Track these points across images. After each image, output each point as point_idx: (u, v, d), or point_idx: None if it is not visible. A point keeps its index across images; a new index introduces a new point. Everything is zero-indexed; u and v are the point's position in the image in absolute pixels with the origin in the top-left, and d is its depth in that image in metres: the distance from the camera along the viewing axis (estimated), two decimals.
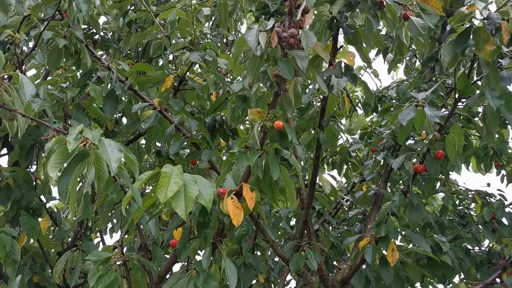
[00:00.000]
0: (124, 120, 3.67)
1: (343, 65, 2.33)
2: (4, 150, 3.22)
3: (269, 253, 3.70)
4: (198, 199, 1.78)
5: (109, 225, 4.60)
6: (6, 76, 1.89)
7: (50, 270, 2.98)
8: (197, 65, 3.75)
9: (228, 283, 1.75)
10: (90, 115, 2.74)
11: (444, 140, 2.48)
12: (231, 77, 4.17)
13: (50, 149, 1.44)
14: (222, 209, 1.84)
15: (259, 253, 3.56)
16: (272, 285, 3.88)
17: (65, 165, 1.42)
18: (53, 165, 1.39)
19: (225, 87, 3.31)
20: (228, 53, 4.03)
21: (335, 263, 3.64)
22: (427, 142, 2.51)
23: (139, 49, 3.95)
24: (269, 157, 1.86)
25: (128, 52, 3.88)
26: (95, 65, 2.78)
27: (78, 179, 1.49)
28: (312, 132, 2.51)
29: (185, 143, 2.79)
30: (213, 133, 3.06)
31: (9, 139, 2.95)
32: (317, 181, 2.78)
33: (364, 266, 2.72)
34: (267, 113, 1.91)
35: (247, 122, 3.70)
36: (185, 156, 2.97)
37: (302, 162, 3.45)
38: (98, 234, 3.95)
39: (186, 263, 3.64)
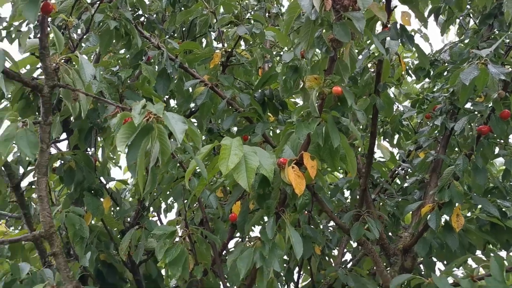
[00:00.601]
0: (172, 102, 3.72)
1: (398, 26, 2.23)
2: (64, 135, 3.35)
3: (321, 227, 3.68)
4: (259, 169, 1.77)
5: (163, 206, 4.73)
6: (64, 59, 1.94)
7: (115, 248, 3.10)
8: (243, 42, 3.73)
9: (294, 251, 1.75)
10: (143, 95, 2.77)
11: (510, 99, 2.35)
12: (278, 49, 4.12)
13: (116, 124, 1.46)
14: (283, 178, 1.83)
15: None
16: (327, 258, 3.87)
17: (132, 139, 1.45)
18: (120, 140, 1.41)
19: (273, 60, 3.27)
20: (272, 26, 3.97)
21: (390, 234, 3.58)
22: (491, 101, 2.38)
23: (183, 29, 3.96)
24: (329, 125, 1.82)
25: (173, 33, 3.90)
26: (145, 45, 2.80)
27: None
28: (368, 98, 2.44)
29: (238, 118, 2.79)
30: (262, 107, 3.04)
31: (68, 124, 3.05)
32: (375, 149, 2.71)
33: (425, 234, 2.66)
34: (324, 79, 1.86)
35: (295, 96, 3.66)
36: (237, 131, 2.97)
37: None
38: (155, 214, 4.06)
39: (240, 239, 3.70)
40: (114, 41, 2.70)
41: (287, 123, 1.97)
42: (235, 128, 3.44)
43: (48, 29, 1.80)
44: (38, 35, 1.70)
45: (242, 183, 1.72)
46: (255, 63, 3.17)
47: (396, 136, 4.29)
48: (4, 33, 3.39)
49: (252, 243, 1.90)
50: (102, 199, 3.08)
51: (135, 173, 1.43)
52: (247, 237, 2.63)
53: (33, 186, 3.00)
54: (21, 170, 2.91)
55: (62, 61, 1.79)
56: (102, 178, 3.31)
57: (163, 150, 1.57)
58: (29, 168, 2.96)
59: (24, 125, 1.60)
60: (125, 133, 1.42)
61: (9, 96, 2.76)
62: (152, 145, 1.53)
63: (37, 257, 3.05)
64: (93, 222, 3.21)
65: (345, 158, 1.93)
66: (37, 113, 2.88)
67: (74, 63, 1.87)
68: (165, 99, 3.46)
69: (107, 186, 3.34)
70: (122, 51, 3.27)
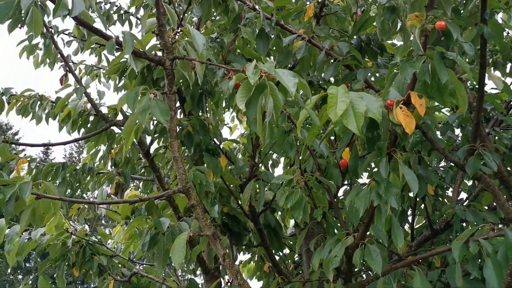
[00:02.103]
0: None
1: None
2: (177, 104, 3.66)
3: (431, 167, 3.63)
4: (367, 113, 1.84)
5: (270, 162, 4.97)
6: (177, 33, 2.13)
7: (235, 201, 3.39)
8: None
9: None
10: (245, 56, 2.93)
11: None
12: None
13: (232, 85, 1.62)
14: (392, 119, 1.88)
15: None
16: (440, 199, 3.82)
17: (249, 97, 1.60)
18: (240, 99, 1.57)
19: (367, 4, 3.21)
20: None
21: (509, 168, 3.42)
22: None
23: None
24: (435, 61, 1.82)
25: None
26: (241, 9, 2.93)
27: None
28: (474, 28, 2.33)
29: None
30: (360, 53, 3.03)
31: (181, 93, 3.33)
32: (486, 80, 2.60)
33: None
34: (426, 15, 1.84)
35: (393, 37, 3.56)
36: (340, 80, 3.02)
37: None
38: (263, 169, 4.31)
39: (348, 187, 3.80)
40: (213, 9, 2.86)
41: (391, 65, 1.99)
42: (331, 79, 3.47)
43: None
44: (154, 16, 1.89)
45: (351, 127, 1.81)
46: (348, 9, 3.15)
47: (509, 65, 4.00)
48: (115, 16, 3.74)
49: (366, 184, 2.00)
50: (219, 158, 3.36)
51: (256, 128, 1.59)
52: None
53: (160, 152, 3.36)
54: (148, 139, 3.28)
55: (177, 35, 1.98)
56: (215, 139, 3.59)
57: (276, 105, 1.71)
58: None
59: (155, 96, 1.83)
60: (243, 93, 1.58)
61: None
62: (266, 101, 1.67)
63: (171, 213, 3.45)
64: (214, 179, 3.52)
65: (455, 93, 1.92)
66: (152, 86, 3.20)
67: (185, 35, 2.05)
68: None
69: (221, 146, 3.63)
70: (218, 17, 3.44)
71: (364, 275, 3.03)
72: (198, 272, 5.38)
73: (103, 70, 4.12)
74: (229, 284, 2.98)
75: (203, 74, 2.93)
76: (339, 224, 2.32)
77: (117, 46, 3.68)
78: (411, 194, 3.08)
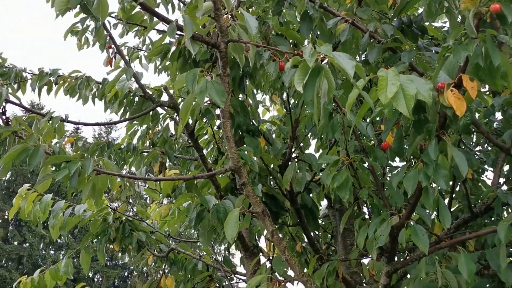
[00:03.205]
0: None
1: None
2: None
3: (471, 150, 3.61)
4: (417, 96, 1.87)
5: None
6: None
7: (273, 182, 3.47)
8: None
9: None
10: (288, 39, 2.96)
11: None
12: None
13: (290, 67, 1.67)
14: (443, 102, 1.90)
15: None
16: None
17: (306, 79, 1.65)
18: (297, 81, 1.63)
19: None
20: None
21: None
22: None
23: None
24: (488, 44, 1.83)
25: None
26: None
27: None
28: None
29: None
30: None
31: None
32: None
33: None
34: None
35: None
36: (383, 62, 3.03)
37: None
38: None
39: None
40: None
41: (442, 47, 2.00)
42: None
43: None
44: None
45: (402, 110, 1.84)
46: None
47: None
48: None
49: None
50: (258, 139, 3.43)
51: (313, 109, 1.65)
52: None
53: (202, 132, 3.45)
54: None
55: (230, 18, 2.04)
56: (253, 121, 3.67)
57: (330, 87, 1.76)
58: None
59: (211, 78, 1.90)
60: (300, 75, 1.64)
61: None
62: (321, 83, 1.72)
63: (210, 192, 3.56)
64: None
65: (506, 76, 1.93)
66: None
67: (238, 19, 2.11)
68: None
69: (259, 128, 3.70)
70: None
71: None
72: (231, 250, 5.53)
73: (144, 53, 4.22)
74: (269, 260, 3.07)
75: (243, 62, 3.00)
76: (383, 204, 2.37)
77: (159, 29, 3.76)
78: None
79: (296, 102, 3.47)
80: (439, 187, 1.96)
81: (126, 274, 29.42)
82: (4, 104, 2.25)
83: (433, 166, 1.92)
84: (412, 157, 2.73)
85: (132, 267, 28.61)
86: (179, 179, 2.79)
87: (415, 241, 1.96)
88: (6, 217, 27.43)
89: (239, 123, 3.33)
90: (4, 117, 2.20)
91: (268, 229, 2.11)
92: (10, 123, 2.22)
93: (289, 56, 1.87)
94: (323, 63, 1.77)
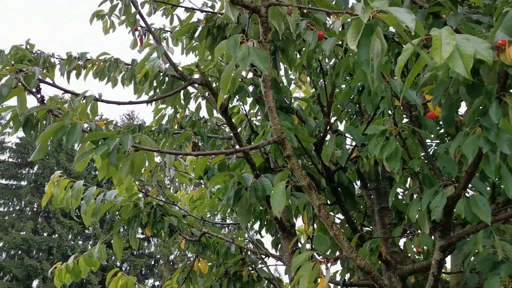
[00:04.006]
0: None
1: None
2: None
3: None
4: (475, 55, 1.73)
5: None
6: None
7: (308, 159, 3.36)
8: None
9: None
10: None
11: None
12: None
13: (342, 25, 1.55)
14: (504, 60, 1.76)
15: None
16: None
17: (359, 37, 1.54)
18: (350, 39, 1.51)
19: None
20: None
21: None
22: None
23: None
24: None
25: None
26: None
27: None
28: None
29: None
30: None
31: None
32: None
33: None
34: None
35: None
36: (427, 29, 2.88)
37: None
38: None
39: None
40: None
41: (500, 2, 1.85)
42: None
43: None
44: None
45: (459, 70, 1.71)
46: None
47: None
48: None
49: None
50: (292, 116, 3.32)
51: (369, 69, 1.54)
52: None
53: (234, 111, 3.36)
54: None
55: None
56: (285, 99, 3.55)
57: (383, 47, 1.64)
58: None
59: (253, 44, 1.80)
60: (353, 32, 1.52)
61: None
62: (373, 42, 1.60)
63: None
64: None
65: None
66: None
67: None
68: None
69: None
70: None
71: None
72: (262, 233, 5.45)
73: (170, 34, 4.15)
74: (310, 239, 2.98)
75: (282, 29, 2.88)
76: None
77: (186, 7, 3.66)
78: None
79: (326, 81, 3.35)
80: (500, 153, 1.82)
81: (152, 262, 29.89)
82: (38, 82, 2.19)
83: (495, 130, 1.78)
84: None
85: (158, 256, 29.05)
86: (220, 153, 2.71)
87: (476, 212, 1.83)
88: (35, 209, 28.09)
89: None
90: (39, 95, 2.14)
91: (314, 203, 2.01)
92: (45, 102, 2.16)
93: (336, 15, 1.75)
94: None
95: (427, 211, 2.05)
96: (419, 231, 2.92)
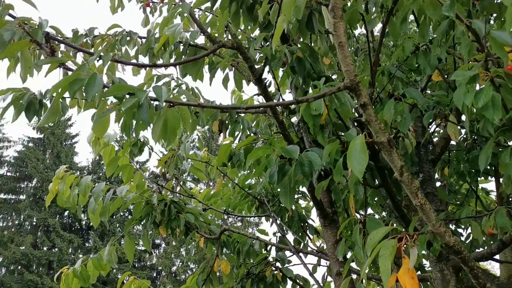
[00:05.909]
0: None
1: None
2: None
3: None
4: None
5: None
6: None
7: None
8: None
9: None
10: None
11: None
12: None
13: None
14: None
15: None
16: None
17: None
18: None
19: None
20: None
21: None
22: None
23: None
24: None
25: None
26: None
27: None
28: None
29: None
30: None
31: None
32: None
33: None
34: None
35: None
36: None
37: None
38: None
39: None
40: None
41: None
42: None
43: None
44: None
45: None
46: None
47: None
48: None
49: None
50: None
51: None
52: None
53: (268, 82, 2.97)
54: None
55: None
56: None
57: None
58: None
59: None
60: None
61: None
62: None
63: None
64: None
65: None
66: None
67: None
68: None
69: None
70: None
71: None
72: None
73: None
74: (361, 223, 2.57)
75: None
76: None
77: None
78: None
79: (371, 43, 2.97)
80: None
81: (154, 274, 29.31)
82: (47, 31, 1.80)
83: None
84: None
85: (160, 268, 28.48)
86: (266, 106, 2.30)
87: None
88: (34, 223, 27.50)
89: (308, 70, 2.85)
90: (48, 45, 1.74)
91: (395, 164, 1.61)
92: (55, 53, 1.76)
93: None
94: None
95: None
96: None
